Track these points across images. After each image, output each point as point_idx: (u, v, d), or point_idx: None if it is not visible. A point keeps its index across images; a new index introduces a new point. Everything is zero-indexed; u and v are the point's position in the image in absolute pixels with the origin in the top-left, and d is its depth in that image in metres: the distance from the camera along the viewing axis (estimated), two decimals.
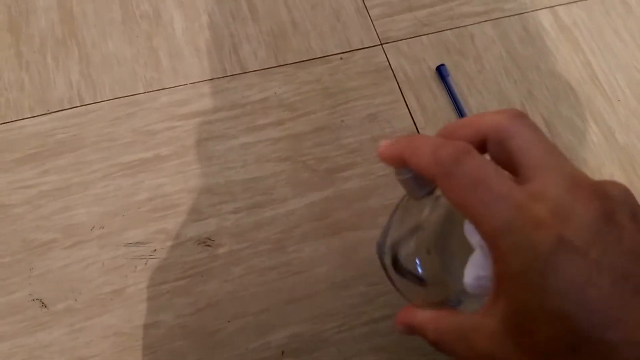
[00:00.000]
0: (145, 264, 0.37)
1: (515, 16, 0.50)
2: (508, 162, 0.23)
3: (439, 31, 0.49)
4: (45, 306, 0.36)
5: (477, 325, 0.23)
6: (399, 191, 0.41)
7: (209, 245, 0.38)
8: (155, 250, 0.38)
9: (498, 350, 0.22)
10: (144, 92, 0.43)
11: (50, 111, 0.42)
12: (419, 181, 0.26)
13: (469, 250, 0.25)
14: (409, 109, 0.45)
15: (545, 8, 0.51)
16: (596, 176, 0.44)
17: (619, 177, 0.44)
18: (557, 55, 0.49)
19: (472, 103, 0.45)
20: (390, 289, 0.38)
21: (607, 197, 0.21)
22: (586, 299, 0.19)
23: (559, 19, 0.50)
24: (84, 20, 0.45)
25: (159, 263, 0.37)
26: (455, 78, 0.46)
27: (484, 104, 0.46)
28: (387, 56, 0.47)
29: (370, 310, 0.38)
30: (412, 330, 0.27)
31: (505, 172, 0.23)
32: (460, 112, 0.44)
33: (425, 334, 0.26)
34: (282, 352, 0.36)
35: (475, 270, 0.24)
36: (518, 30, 0.49)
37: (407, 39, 0.48)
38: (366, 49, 0.47)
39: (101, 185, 0.39)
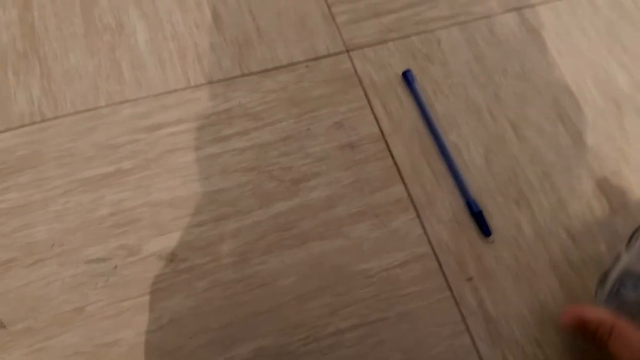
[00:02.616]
0: (107, 280, 0.37)
1: (482, 19, 0.50)
2: None
3: (406, 36, 0.48)
4: (5, 326, 0.35)
5: None
6: (365, 199, 0.41)
7: (171, 260, 0.38)
8: (116, 266, 0.37)
9: None
10: (106, 106, 0.42)
11: (10, 127, 0.41)
12: None
13: None
14: (375, 116, 0.44)
15: (512, 10, 0.51)
16: (565, 179, 0.43)
17: (587, 179, 0.44)
18: (524, 58, 0.49)
19: (438, 108, 0.45)
20: (357, 298, 0.38)
21: None
22: None
23: (526, 21, 0.50)
24: (46, 34, 0.45)
25: (120, 279, 0.37)
26: (422, 83, 0.46)
27: (450, 108, 0.45)
28: (353, 63, 0.47)
29: (336, 321, 0.37)
30: (580, 319, 0.35)
31: None
32: (426, 118, 0.44)
33: (599, 327, 0.34)
34: None
35: None
36: (485, 33, 0.49)
37: (374, 45, 0.48)
38: (332, 56, 0.47)
39: (62, 201, 0.39)
